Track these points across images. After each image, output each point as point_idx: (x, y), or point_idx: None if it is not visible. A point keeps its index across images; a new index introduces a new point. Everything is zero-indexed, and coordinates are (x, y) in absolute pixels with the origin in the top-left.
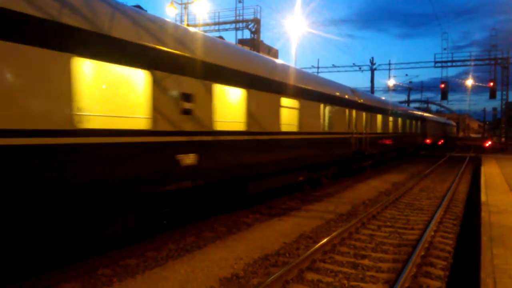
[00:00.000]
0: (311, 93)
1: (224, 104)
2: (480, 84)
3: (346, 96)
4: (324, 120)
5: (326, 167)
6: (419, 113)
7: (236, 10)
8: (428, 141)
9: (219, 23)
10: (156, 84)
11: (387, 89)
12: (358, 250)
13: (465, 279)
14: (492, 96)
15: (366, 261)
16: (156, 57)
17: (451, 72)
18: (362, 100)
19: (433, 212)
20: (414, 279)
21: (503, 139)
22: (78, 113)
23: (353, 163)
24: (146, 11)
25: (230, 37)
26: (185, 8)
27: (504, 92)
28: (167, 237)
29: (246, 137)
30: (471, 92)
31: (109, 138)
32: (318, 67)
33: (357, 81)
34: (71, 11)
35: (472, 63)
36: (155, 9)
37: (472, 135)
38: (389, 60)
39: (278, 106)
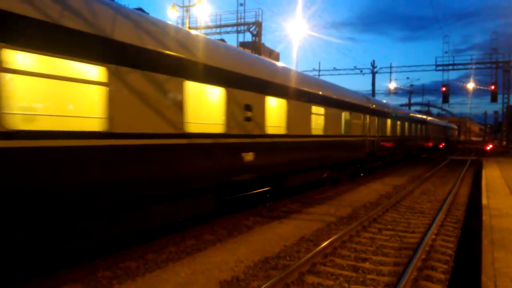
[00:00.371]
0: (334, 101)
1: (272, 112)
2: (481, 88)
3: (362, 103)
4: (344, 124)
5: (344, 167)
6: (423, 116)
7: (237, 13)
8: (429, 144)
9: (220, 26)
10: (229, 98)
11: (388, 92)
12: (358, 253)
13: (466, 282)
14: (494, 99)
15: (367, 264)
16: (229, 77)
17: (452, 75)
18: (374, 106)
19: (434, 215)
20: (415, 282)
21: (504, 143)
22: (193, 122)
23: (367, 163)
24: (148, 13)
25: (232, 40)
26: (187, 10)
27: (506, 96)
28: (167, 240)
29: (286, 139)
30: (472, 95)
31: (202, 140)
32: (319, 70)
33: (358, 84)
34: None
35: (473, 66)
36: (156, 12)
37: (473, 139)
38: (390, 63)
39: (310, 113)
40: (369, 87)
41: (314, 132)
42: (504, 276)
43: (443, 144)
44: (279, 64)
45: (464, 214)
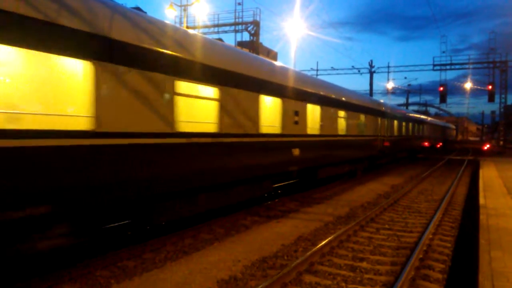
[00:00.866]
0: (355, 106)
1: (311, 116)
2: (479, 87)
3: (375, 107)
4: (361, 126)
5: (361, 162)
6: (423, 117)
7: (235, 12)
8: (429, 143)
9: (218, 25)
10: (283, 105)
11: (386, 92)
12: (356, 253)
13: (464, 282)
14: (491, 99)
15: (364, 264)
16: (285, 90)
17: (450, 75)
18: (384, 109)
19: (432, 215)
20: (412, 281)
21: (501, 142)
22: (264, 125)
23: (378, 159)
24: (146, 13)
25: (230, 39)
26: (185, 10)
27: (503, 96)
28: (165, 239)
29: (320, 138)
30: (469, 95)
31: (268, 138)
32: (317, 70)
33: (356, 83)
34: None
35: (471, 66)
36: (154, 11)
37: (471, 138)
38: (388, 63)
39: (337, 116)
40: (367, 87)
41: (339, 132)
42: (501, 275)
43: (441, 143)
44: (317, 78)
45: (462, 213)
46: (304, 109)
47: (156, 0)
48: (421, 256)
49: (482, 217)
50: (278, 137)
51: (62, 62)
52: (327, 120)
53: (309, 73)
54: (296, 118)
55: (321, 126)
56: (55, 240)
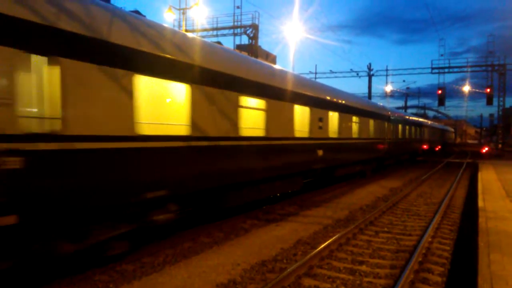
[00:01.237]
0: (366, 112)
1: (331, 121)
2: (477, 90)
3: (382, 112)
4: (371, 129)
5: (370, 163)
6: (423, 120)
7: (234, 15)
8: (426, 146)
9: (217, 29)
10: (311, 113)
11: (385, 95)
12: (355, 256)
13: (463, 285)
14: (489, 102)
15: (363, 267)
16: (314, 101)
17: (448, 78)
18: (389, 113)
19: (431, 218)
20: (412, 285)
21: (500, 145)
22: (298, 130)
23: (385, 161)
24: (145, 16)
25: (228, 43)
26: (183, 13)
27: (501, 98)
28: (164, 243)
29: (337, 141)
30: (468, 98)
31: (300, 141)
32: (315, 73)
33: (355, 86)
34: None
35: (469, 69)
36: (153, 14)
37: (469, 141)
38: (387, 66)
39: (352, 121)
40: (366, 90)
41: (353, 135)
42: (500, 278)
43: (439, 146)
44: (335, 89)
45: (461, 216)
46: (326, 116)
47: (155, 4)
48: (420, 259)
49: (481, 220)
50: (307, 140)
51: (173, 86)
52: (344, 125)
53: (307, 76)
54: (320, 124)
55: (339, 130)
56: (168, 214)
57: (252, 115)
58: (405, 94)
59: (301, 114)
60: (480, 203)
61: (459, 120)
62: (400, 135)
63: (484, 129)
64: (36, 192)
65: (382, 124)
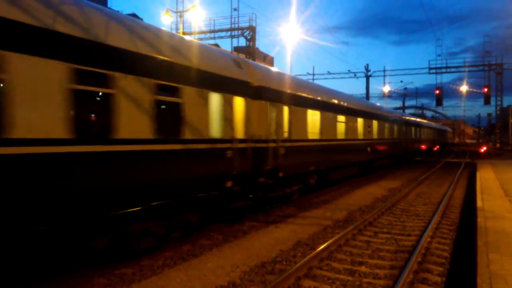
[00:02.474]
0: (390, 118)
1: (374, 127)
2: (475, 90)
3: (400, 117)
4: (395, 131)
5: (393, 158)
6: (425, 121)
7: (231, 18)
8: (426, 146)
9: (214, 31)
10: (364, 123)
11: (382, 96)
12: (355, 257)
13: (462, 284)
14: (487, 102)
15: (363, 268)
16: (365, 114)
17: (446, 78)
18: (405, 117)
19: (430, 218)
20: (411, 285)
21: (498, 145)
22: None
23: (403, 157)
24: (142, 19)
25: (226, 45)
26: (181, 16)
27: (499, 98)
28: (163, 245)
29: (376, 141)
30: (466, 98)
31: (358, 141)
32: (313, 74)
33: (352, 87)
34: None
35: (466, 69)
36: (150, 17)
37: (467, 141)
38: (384, 67)
39: (383, 126)
40: (363, 91)
41: (385, 136)
42: (499, 278)
43: (438, 146)
44: (375, 104)
45: (459, 216)
46: (371, 123)
47: (152, 7)
48: (419, 259)
49: (479, 219)
50: (361, 140)
51: (319, 113)
52: (379, 129)
53: (305, 78)
54: (369, 129)
55: (378, 133)
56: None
57: (340, 125)
58: (403, 95)
59: (361, 124)
60: (479, 203)
61: (457, 120)
62: (413, 135)
63: (482, 128)
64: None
65: (401, 127)
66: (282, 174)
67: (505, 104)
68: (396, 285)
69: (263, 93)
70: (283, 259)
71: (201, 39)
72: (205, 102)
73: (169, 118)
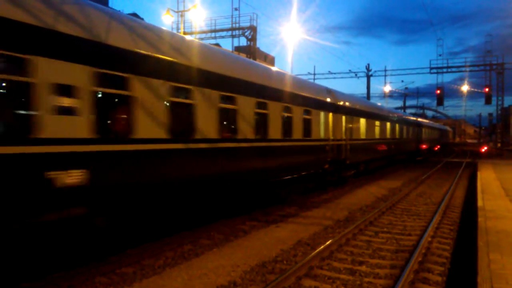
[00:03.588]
0: (408, 121)
1: (397, 129)
2: (476, 90)
3: (414, 121)
4: (410, 132)
5: (409, 154)
6: (431, 122)
7: (232, 17)
8: (424, 146)
9: (215, 31)
10: (390, 125)
11: (383, 95)
12: (355, 257)
13: (463, 284)
14: (488, 101)
15: (363, 268)
16: (393, 120)
17: (447, 78)
18: (416, 119)
19: (430, 217)
20: (411, 285)
21: (499, 145)
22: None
23: (417, 154)
24: (142, 19)
25: (227, 45)
26: (182, 16)
27: (500, 98)
28: (164, 245)
29: (398, 140)
30: (467, 98)
31: (385, 140)
32: (314, 74)
33: (353, 87)
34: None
35: (468, 69)
36: (151, 17)
37: (468, 141)
38: (385, 67)
39: (402, 129)
40: (364, 91)
41: (403, 136)
42: (500, 277)
43: (438, 146)
44: (396, 111)
45: (460, 216)
46: (395, 126)
47: (152, 6)
48: (420, 259)
49: (480, 219)
50: (386, 139)
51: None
52: (399, 130)
53: (306, 77)
54: (393, 130)
55: (399, 133)
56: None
57: (376, 128)
58: (404, 94)
59: (388, 127)
60: (480, 203)
61: (458, 119)
62: (424, 136)
63: (483, 128)
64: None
65: (415, 128)
66: (348, 162)
67: (506, 104)
68: (397, 285)
69: (340, 109)
70: (284, 258)
71: (202, 38)
72: (318, 116)
73: (307, 128)
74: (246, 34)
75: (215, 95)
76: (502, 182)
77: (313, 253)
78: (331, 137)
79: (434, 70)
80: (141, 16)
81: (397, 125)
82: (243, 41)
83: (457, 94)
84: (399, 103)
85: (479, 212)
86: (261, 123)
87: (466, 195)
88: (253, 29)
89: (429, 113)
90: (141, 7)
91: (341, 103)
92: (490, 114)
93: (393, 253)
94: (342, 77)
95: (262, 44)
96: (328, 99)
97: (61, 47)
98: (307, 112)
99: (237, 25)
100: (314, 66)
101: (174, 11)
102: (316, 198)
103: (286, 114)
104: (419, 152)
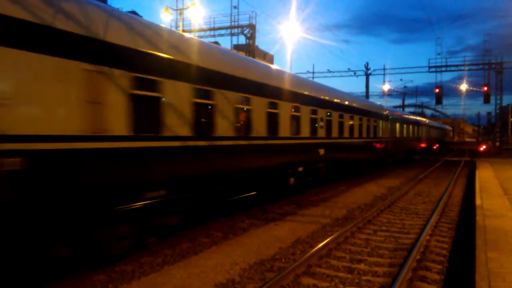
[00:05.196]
0: (418, 122)
1: (410, 129)
2: (474, 89)
3: (423, 121)
4: (422, 131)
5: (416, 151)
6: (431, 121)
7: (231, 15)
8: (423, 145)
9: (214, 29)
10: (406, 125)
11: (382, 94)
12: (354, 255)
13: (461, 282)
14: (486, 100)
15: (362, 266)
16: (408, 120)
17: (446, 77)
18: (425, 120)
19: (429, 216)
20: (410, 283)
21: (497, 144)
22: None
23: (427, 150)
24: (141, 17)
25: (226, 43)
26: (180, 14)
27: (498, 97)
28: (163, 243)
29: (411, 137)
30: (465, 97)
31: (402, 137)
32: (313, 72)
33: (352, 86)
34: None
35: (466, 68)
36: (149, 15)
37: (467, 139)
38: (384, 65)
39: (414, 129)
40: (363, 89)
41: (415, 135)
42: (498, 276)
43: (437, 145)
44: (408, 114)
45: (458, 214)
46: (409, 126)
47: (151, 4)
48: (418, 257)
49: (478, 218)
50: (404, 137)
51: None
52: (411, 130)
53: (305, 76)
54: (407, 130)
55: (412, 132)
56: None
57: (403, 129)
58: (403, 93)
59: (407, 128)
60: (478, 201)
61: (456, 118)
62: (431, 135)
63: (482, 127)
64: None
65: (421, 128)
66: (391, 153)
67: (505, 103)
68: (395, 283)
69: (387, 116)
70: (283, 256)
71: (201, 36)
72: (381, 123)
73: (368, 130)
74: (245, 32)
75: (307, 109)
76: (501, 181)
77: (312, 251)
78: (383, 136)
79: (433, 69)
80: (140, 14)
81: (410, 126)
82: (242, 39)
83: (456, 93)
84: (398, 102)
85: (477, 210)
86: (357, 129)
87: (464, 194)
88: (252, 27)
89: (428, 112)
90: (139, 5)
91: (388, 112)
92: (489, 113)
93: (392, 252)
94: (341, 76)
95: (261, 42)
96: (383, 112)
97: None
98: (374, 121)
99: (236, 23)
100: (313, 65)
101: (173, 9)
102: (315, 197)
103: (367, 124)
104: (424, 150)
